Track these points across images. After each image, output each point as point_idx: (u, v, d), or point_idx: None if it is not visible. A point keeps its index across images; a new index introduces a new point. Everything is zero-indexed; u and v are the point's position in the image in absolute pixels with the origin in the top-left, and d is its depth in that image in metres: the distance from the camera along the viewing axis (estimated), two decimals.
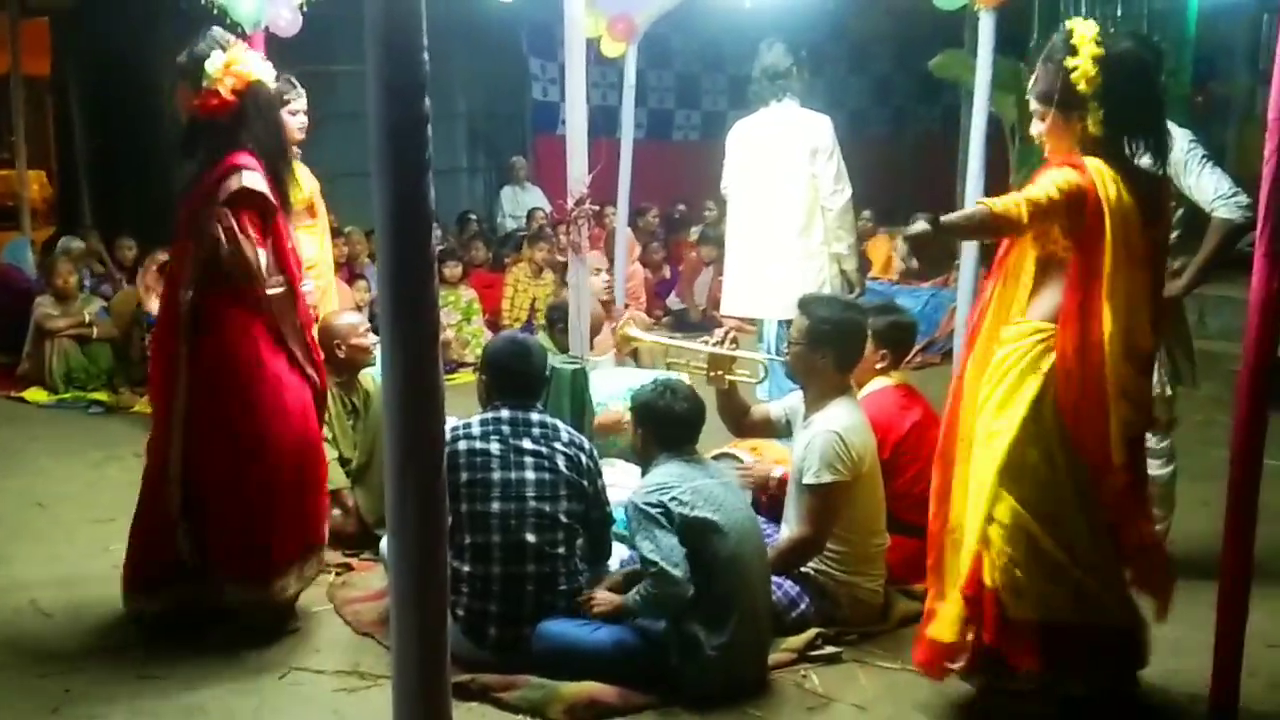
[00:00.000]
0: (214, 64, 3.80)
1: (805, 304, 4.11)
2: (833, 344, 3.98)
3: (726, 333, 4.44)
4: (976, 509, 3.28)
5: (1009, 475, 3.23)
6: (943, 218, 3.18)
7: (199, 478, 3.85)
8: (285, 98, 5.45)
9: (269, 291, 3.82)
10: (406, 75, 2.01)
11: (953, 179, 9.66)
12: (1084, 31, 3.24)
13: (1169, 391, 4.29)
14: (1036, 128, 3.41)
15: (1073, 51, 3.23)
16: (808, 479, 3.86)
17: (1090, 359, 3.16)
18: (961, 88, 8.69)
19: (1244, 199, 4.12)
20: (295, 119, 5.46)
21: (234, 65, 3.81)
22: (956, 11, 6.31)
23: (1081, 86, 3.21)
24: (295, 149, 5.55)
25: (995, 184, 6.74)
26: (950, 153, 10.19)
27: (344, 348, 4.96)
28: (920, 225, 3.16)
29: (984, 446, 3.30)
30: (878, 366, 4.42)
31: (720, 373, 4.35)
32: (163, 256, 7.16)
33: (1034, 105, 3.40)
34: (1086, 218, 3.16)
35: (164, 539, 3.89)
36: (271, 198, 3.85)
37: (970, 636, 3.30)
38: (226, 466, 3.83)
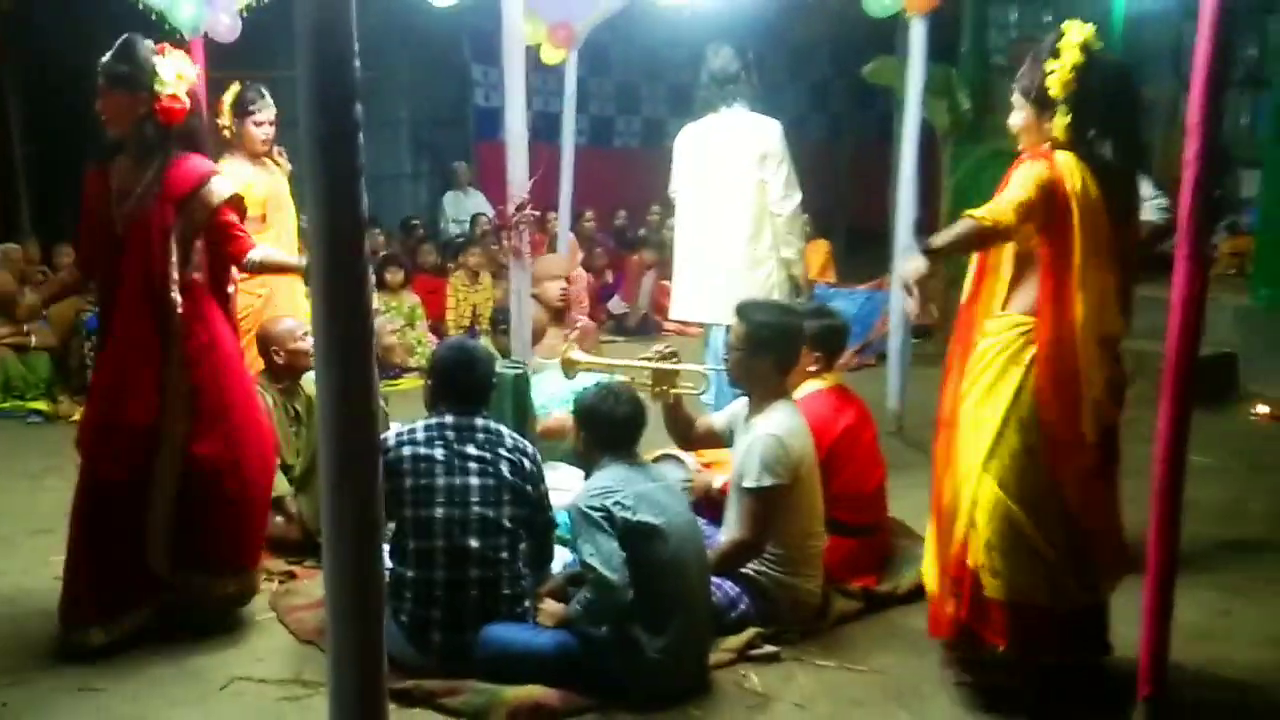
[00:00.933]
0: (168, 71, 3.86)
1: (743, 310, 4.15)
2: (771, 348, 4.03)
3: (667, 348, 4.48)
4: (963, 493, 3.48)
5: (993, 462, 3.42)
6: (933, 241, 3.38)
7: (192, 477, 3.92)
8: (251, 107, 5.48)
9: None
10: (337, 83, 1.99)
11: (885, 184, 9.79)
12: (1072, 37, 3.36)
13: None
14: (1014, 118, 3.54)
15: (1055, 54, 3.37)
16: (747, 483, 3.91)
17: (1064, 343, 3.34)
18: (895, 94, 8.81)
19: (1165, 201, 4.25)
20: (260, 129, 5.48)
21: (183, 71, 3.91)
22: (889, 18, 6.41)
23: (1054, 90, 3.36)
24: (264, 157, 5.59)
25: (929, 188, 6.87)
26: (886, 158, 10.30)
27: (282, 353, 4.95)
28: (917, 262, 3.33)
29: (970, 434, 3.48)
30: (810, 369, 4.47)
31: (664, 388, 4.38)
32: None
33: (1014, 97, 3.54)
34: (1057, 209, 3.31)
35: (130, 558, 3.89)
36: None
37: (950, 610, 3.53)
38: (226, 458, 3.95)
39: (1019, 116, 3.52)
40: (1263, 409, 7.07)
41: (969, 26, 9.60)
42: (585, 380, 4.98)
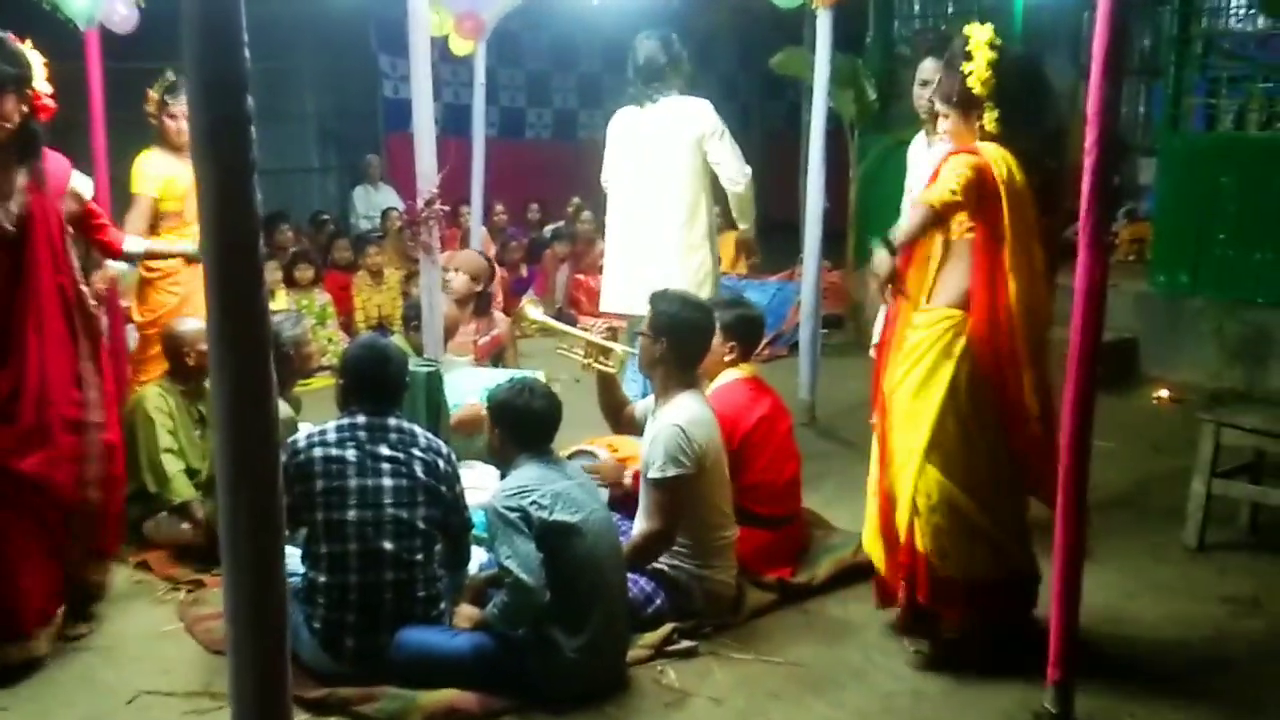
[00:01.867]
0: (39, 69, 3.81)
1: (653, 299, 4.18)
2: (671, 336, 4.05)
3: (608, 325, 4.53)
4: (904, 482, 3.67)
5: (932, 451, 3.62)
6: (894, 236, 3.58)
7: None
8: (168, 99, 5.39)
9: None
10: (226, 72, 1.94)
11: (795, 175, 9.87)
12: (979, 37, 3.56)
13: None
14: (942, 125, 3.74)
15: (968, 57, 3.56)
16: (652, 473, 3.91)
17: (1000, 324, 3.55)
18: (803, 85, 8.88)
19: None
20: (174, 122, 5.39)
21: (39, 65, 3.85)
22: (795, 9, 6.44)
23: (977, 89, 3.55)
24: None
25: (836, 177, 6.93)
26: (795, 149, 10.40)
27: (192, 354, 4.83)
28: (882, 256, 3.55)
29: (907, 426, 3.68)
30: (726, 359, 4.50)
31: (591, 360, 4.44)
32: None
33: (938, 105, 3.74)
34: (987, 194, 3.50)
35: (53, 559, 3.85)
36: None
37: (903, 595, 3.73)
38: (118, 442, 4.07)
39: (947, 123, 3.70)
40: (1164, 393, 7.25)
41: (874, 17, 9.70)
42: (498, 376, 4.97)
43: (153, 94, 5.48)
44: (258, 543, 2.06)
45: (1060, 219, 3.77)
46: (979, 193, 3.49)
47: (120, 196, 6.61)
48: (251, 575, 2.06)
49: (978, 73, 3.53)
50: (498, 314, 6.68)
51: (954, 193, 3.47)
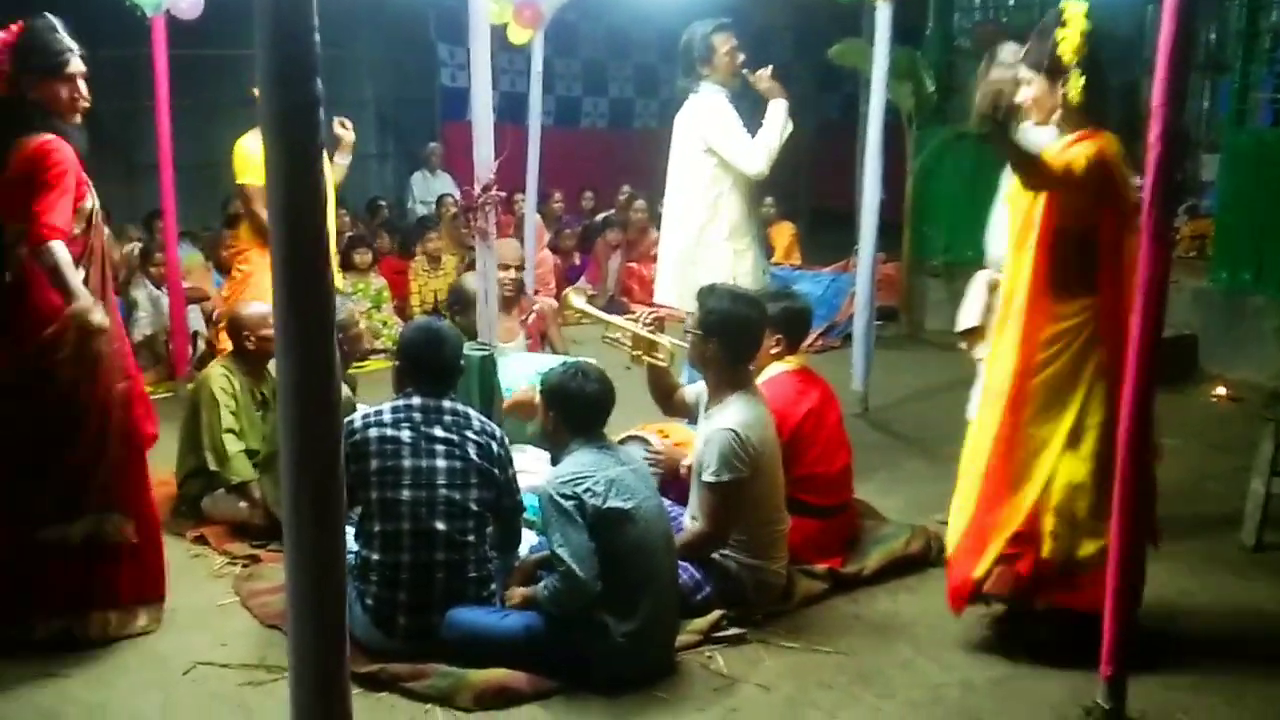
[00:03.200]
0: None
1: (700, 295, 4.16)
2: (720, 335, 4.01)
3: (652, 315, 4.50)
4: (1039, 467, 3.66)
5: (1084, 440, 3.62)
6: (1012, 135, 3.57)
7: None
8: None
9: None
10: (297, 57, 1.96)
11: (850, 166, 9.80)
12: (1075, 8, 3.56)
13: None
14: (1024, 94, 3.74)
15: (1063, 24, 3.57)
16: (706, 477, 3.90)
17: (1123, 316, 3.44)
18: (860, 76, 8.81)
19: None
20: None
21: None
22: (854, 1, 6.41)
23: (1067, 56, 3.56)
24: None
25: (893, 171, 6.88)
26: (850, 140, 10.31)
27: (253, 339, 4.91)
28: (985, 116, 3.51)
29: (1049, 414, 3.66)
30: (773, 352, 4.47)
31: (640, 353, 4.43)
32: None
33: (1023, 73, 3.74)
34: (1111, 183, 3.54)
35: None
36: None
37: (999, 568, 3.69)
38: None
39: (1031, 90, 3.71)
40: (1222, 391, 7.15)
41: (934, 10, 9.61)
42: (551, 361, 4.99)
43: None
44: (320, 518, 2.08)
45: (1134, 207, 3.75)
46: (1102, 182, 3.53)
47: (184, 181, 6.72)
48: (313, 550, 2.09)
49: (1070, 39, 3.54)
50: (545, 299, 6.71)
51: (1060, 165, 3.49)
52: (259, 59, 1.97)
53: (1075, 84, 3.56)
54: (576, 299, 5.04)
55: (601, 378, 3.77)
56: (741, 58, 5.45)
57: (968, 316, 4.70)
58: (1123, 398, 3.20)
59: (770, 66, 5.50)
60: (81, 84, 3.76)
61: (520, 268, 6.07)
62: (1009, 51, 4.59)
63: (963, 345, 4.79)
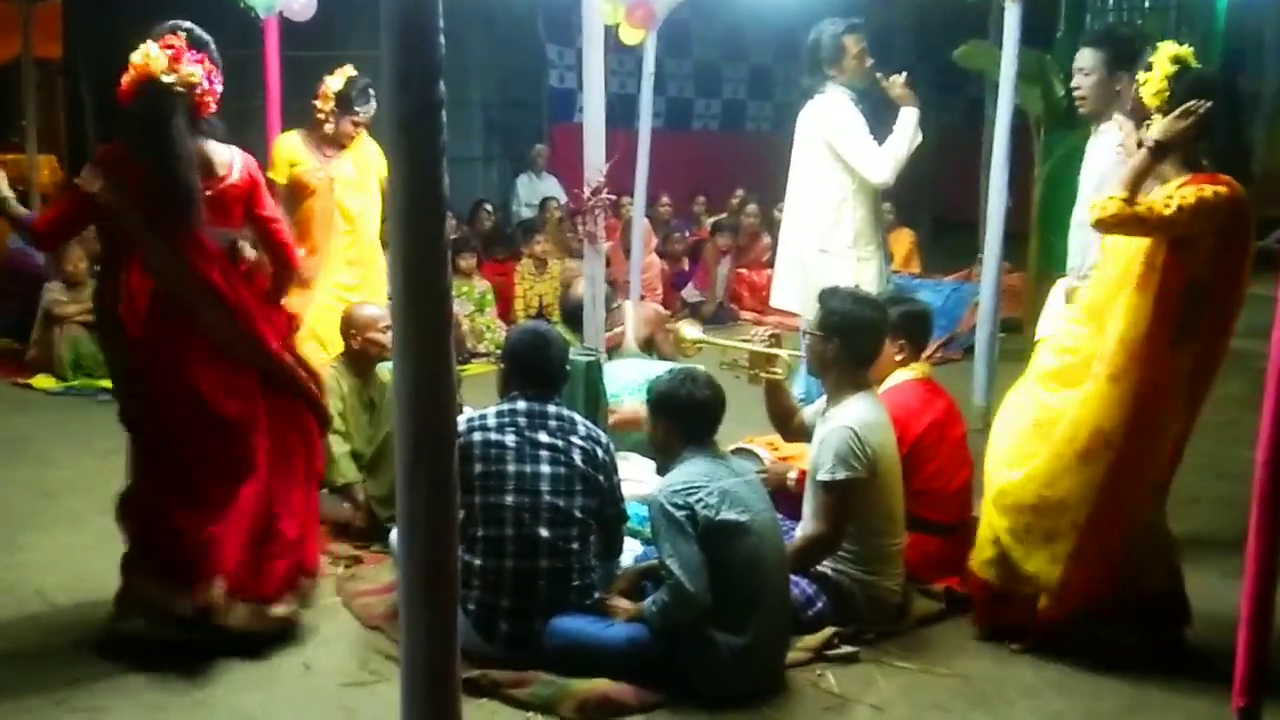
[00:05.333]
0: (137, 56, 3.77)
1: (821, 297, 4.07)
2: (841, 335, 3.92)
3: (769, 332, 4.40)
4: (1139, 506, 3.67)
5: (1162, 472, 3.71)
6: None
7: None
8: (356, 108, 5.52)
9: None
10: (421, 60, 1.98)
11: (974, 172, 9.56)
12: (1165, 51, 3.57)
13: None
14: (1119, 138, 3.92)
15: (1149, 67, 3.57)
16: (821, 475, 3.80)
17: (1218, 361, 3.57)
18: (986, 79, 8.58)
19: None
20: (353, 127, 5.55)
21: (141, 58, 3.75)
22: (980, 2, 6.22)
23: (1148, 99, 3.55)
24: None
25: (1019, 176, 6.68)
26: (971, 145, 10.09)
27: (359, 339, 4.92)
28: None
29: (1152, 455, 3.63)
30: (897, 358, 4.34)
31: (758, 371, 4.32)
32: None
33: (1115, 118, 3.95)
34: (1236, 228, 3.46)
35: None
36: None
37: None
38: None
39: (1121, 135, 3.87)
40: None
41: (1065, 12, 9.33)
42: (658, 367, 4.91)
43: (334, 90, 5.46)
44: (433, 520, 2.09)
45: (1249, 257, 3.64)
46: (1218, 225, 3.42)
47: None
48: (426, 552, 2.10)
49: (1152, 83, 3.52)
50: (626, 304, 6.60)
51: (1167, 213, 3.39)
52: (384, 60, 1.98)
53: (1158, 123, 3.50)
54: (689, 330, 4.92)
55: (711, 383, 3.69)
56: (871, 61, 5.34)
57: (1047, 325, 4.57)
58: (1263, 423, 3.02)
59: (905, 73, 5.37)
60: None
61: None
62: (1085, 57, 4.50)
63: None
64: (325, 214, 5.58)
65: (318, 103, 5.49)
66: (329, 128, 5.50)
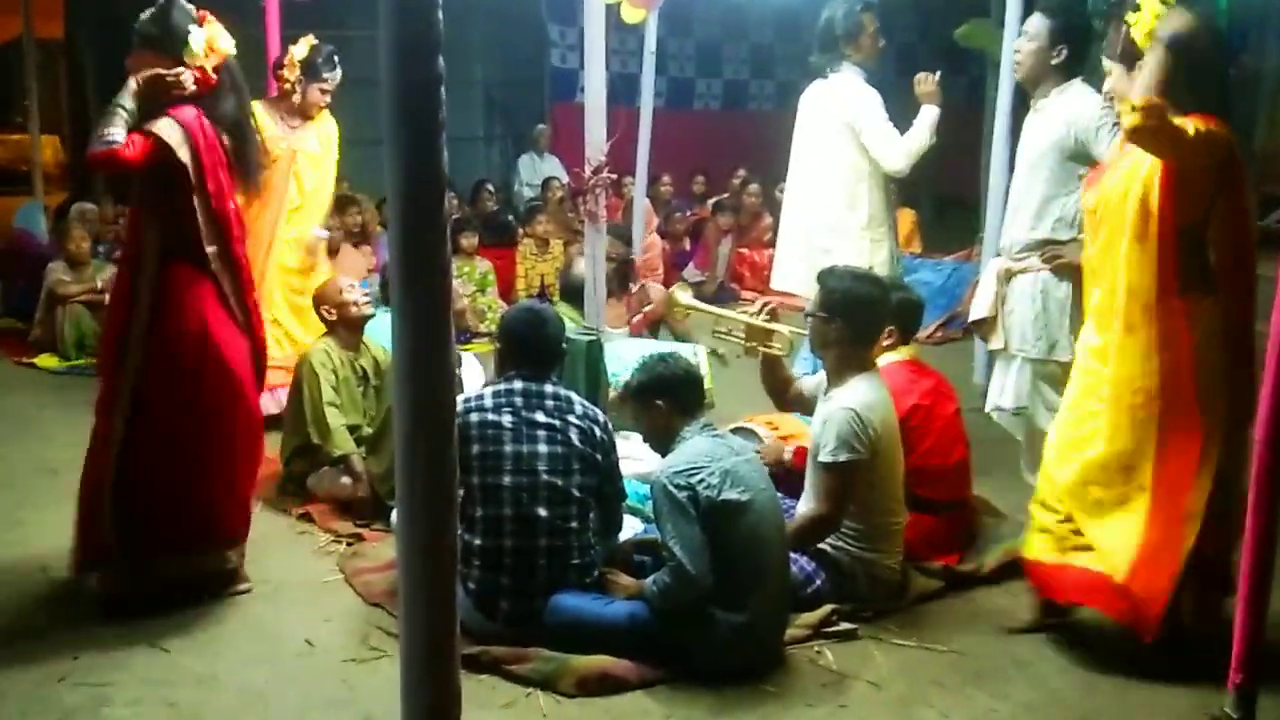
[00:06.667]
0: (198, 42, 3.80)
1: (822, 276, 4.08)
2: (842, 314, 3.92)
3: (765, 305, 4.40)
4: (1205, 471, 3.45)
5: (1224, 455, 3.45)
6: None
7: (146, 450, 3.83)
8: (323, 75, 5.50)
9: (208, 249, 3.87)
10: (420, 34, 1.96)
11: (975, 151, 9.53)
12: None
13: None
14: (1108, 84, 3.70)
15: (1136, 7, 3.43)
16: (823, 457, 3.80)
17: (1247, 314, 3.39)
18: (987, 58, 8.55)
19: None
20: (321, 95, 5.49)
21: (215, 43, 3.85)
22: None
23: (1140, 40, 3.41)
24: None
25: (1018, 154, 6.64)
26: (975, 124, 10.04)
27: (332, 310, 5.00)
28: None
29: (1205, 421, 3.46)
30: (885, 343, 4.33)
31: (754, 344, 4.33)
32: None
33: (1105, 63, 3.67)
34: (1231, 169, 3.39)
35: (97, 516, 3.88)
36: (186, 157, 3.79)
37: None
38: (177, 437, 3.85)
39: (1111, 81, 3.62)
40: None
41: None
42: (657, 347, 4.92)
43: (299, 57, 5.50)
44: (433, 498, 2.08)
45: (1251, 204, 3.56)
46: (1214, 163, 3.36)
47: None
48: (426, 530, 2.09)
49: (1142, 23, 3.37)
50: (654, 286, 6.62)
51: (1189, 133, 3.28)
52: (383, 35, 1.96)
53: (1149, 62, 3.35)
54: (682, 294, 4.93)
55: (678, 357, 3.81)
56: (882, 42, 5.26)
57: (979, 308, 4.58)
58: (1262, 401, 3.02)
59: (938, 73, 5.28)
60: None
61: (611, 260, 5.98)
62: (1032, 24, 4.48)
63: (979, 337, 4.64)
64: (280, 188, 5.61)
65: (284, 71, 5.52)
66: (296, 97, 5.54)
